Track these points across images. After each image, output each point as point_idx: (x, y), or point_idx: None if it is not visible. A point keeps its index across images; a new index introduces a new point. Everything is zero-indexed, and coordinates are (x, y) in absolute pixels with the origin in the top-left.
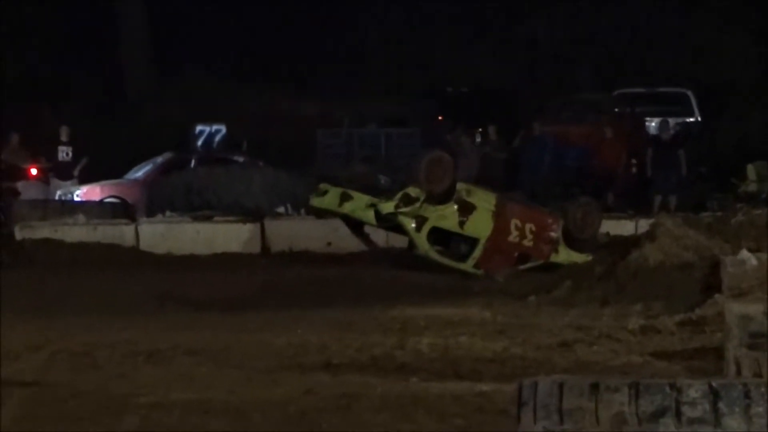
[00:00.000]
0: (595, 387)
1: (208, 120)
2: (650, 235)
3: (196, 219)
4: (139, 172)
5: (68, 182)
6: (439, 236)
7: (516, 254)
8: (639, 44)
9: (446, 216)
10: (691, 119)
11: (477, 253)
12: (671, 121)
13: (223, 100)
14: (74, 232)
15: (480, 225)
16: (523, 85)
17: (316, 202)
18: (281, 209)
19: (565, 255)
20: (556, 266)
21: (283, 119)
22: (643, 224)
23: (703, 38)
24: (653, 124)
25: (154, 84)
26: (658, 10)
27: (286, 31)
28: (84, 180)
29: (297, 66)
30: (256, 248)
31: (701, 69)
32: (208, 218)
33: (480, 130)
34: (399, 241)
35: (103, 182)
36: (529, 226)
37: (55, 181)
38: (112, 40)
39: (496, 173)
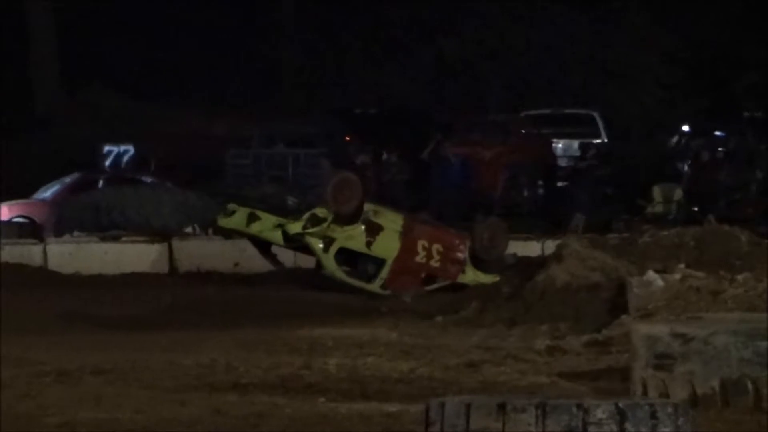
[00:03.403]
0: (502, 407)
1: (117, 140)
2: (557, 256)
3: (104, 239)
4: (47, 192)
5: None
6: (346, 257)
7: (423, 275)
8: (549, 64)
9: (353, 237)
10: (598, 140)
11: (384, 273)
12: (576, 142)
13: (132, 120)
14: None
15: (387, 246)
16: (432, 105)
17: (223, 222)
18: (189, 229)
19: (472, 275)
20: (464, 287)
21: (191, 139)
22: (550, 245)
23: (613, 59)
24: (560, 145)
25: (62, 103)
26: (568, 31)
27: (196, 50)
28: None
29: (206, 86)
30: (164, 268)
31: (610, 90)
32: (116, 238)
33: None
34: (307, 262)
35: (11, 202)
36: (436, 247)
37: None
38: (18, 56)
39: (399, 195)
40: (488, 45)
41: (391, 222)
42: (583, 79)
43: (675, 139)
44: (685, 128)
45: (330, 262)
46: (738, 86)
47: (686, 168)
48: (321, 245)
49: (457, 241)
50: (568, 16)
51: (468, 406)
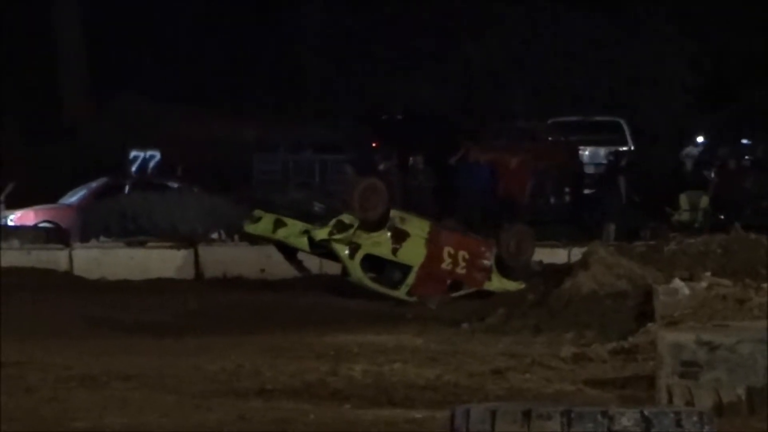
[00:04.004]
0: (527, 414)
1: (143, 145)
2: (583, 264)
3: (130, 244)
4: (74, 197)
5: None
6: (372, 263)
7: (449, 281)
8: (574, 71)
9: (380, 243)
10: (625, 148)
11: (410, 280)
12: (603, 149)
13: (158, 126)
14: (8, 256)
15: (413, 252)
16: (457, 111)
17: (249, 228)
18: (215, 235)
19: (498, 283)
20: (489, 294)
21: (218, 144)
22: (577, 252)
23: (638, 65)
24: (587, 152)
25: (90, 108)
26: (593, 38)
27: (222, 56)
28: (13, 205)
29: (232, 91)
30: (189, 274)
31: (635, 96)
32: (142, 244)
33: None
34: (332, 268)
35: (38, 207)
36: (462, 254)
37: None
38: (46, 63)
39: (426, 201)
40: (513, 52)
41: (417, 228)
42: (609, 85)
43: (687, 150)
44: (700, 139)
45: (356, 269)
46: (764, 93)
47: (712, 176)
48: (347, 251)
49: (483, 248)
50: (593, 23)
51: (493, 413)
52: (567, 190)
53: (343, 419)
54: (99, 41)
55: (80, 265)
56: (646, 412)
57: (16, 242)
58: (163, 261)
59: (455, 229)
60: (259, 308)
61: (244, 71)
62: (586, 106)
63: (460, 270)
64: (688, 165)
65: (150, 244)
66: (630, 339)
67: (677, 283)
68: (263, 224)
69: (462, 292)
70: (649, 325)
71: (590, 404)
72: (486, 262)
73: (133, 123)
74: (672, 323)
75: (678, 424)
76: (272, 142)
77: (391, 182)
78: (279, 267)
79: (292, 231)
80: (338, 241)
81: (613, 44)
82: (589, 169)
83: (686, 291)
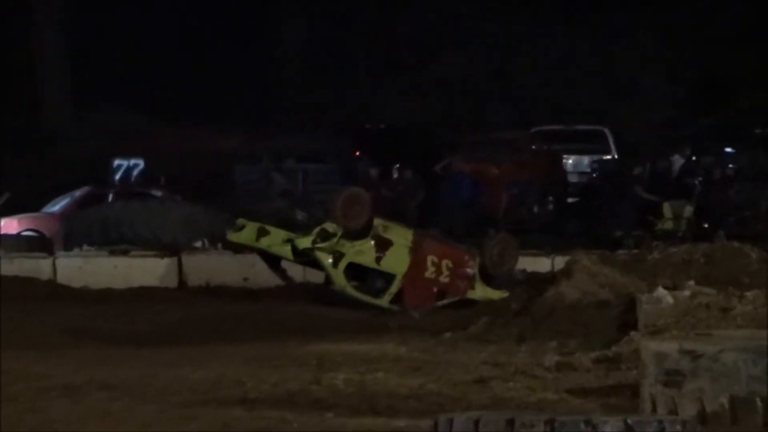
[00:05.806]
0: (510, 423)
1: (127, 154)
2: (566, 273)
3: (113, 253)
4: (57, 206)
5: None
6: (356, 272)
7: (432, 290)
8: (557, 81)
9: (363, 252)
10: (608, 156)
11: (393, 288)
12: (586, 158)
13: (142, 135)
14: None
15: (396, 261)
16: (440, 122)
17: (233, 237)
18: (198, 244)
19: (481, 291)
20: (473, 302)
21: (201, 154)
22: (560, 261)
23: (619, 77)
24: (570, 161)
25: (73, 118)
26: (575, 49)
27: (205, 66)
28: (1, 213)
29: (216, 101)
30: (173, 283)
31: (617, 107)
32: (124, 252)
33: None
34: (316, 277)
35: (21, 215)
36: (445, 262)
37: None
38: (30, 73)
39: (409, 210)
40: (495, 63)
41: (401, 237)
42: (590, 96)
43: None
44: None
45: (339, 277)
46: (745, 102)
47: (696, 185)
48: (330, 260)
49: (467, 257)
50: (575, 34)
51: (477, 422)
52: (550, 198)
53: (326, 428)
54: (82, 51)
55: (63, 273)
56: (629, 421)
57: None
58: (146, 270)
59: (439, 238)
60: (242, 317)
61: (227, 82)
62: (566, 117)
63: (444, 279)
64: (675, 170)
65: (133, 252)
66: (613, 348)
67: (660, 291)
68: (246, 233)
69: (445, 301)
70: (633, 333)
71: (574, 413)
72: (469, 271)
73: (116, 132)
74: (655, 332)
75: None
76: (255, 152)
77: (375, 191)
78: (262, 276)
79: (276, 239)
80: (322, 249)
81: (594, 55)
82: (573, 178)
83: (669, 300)
